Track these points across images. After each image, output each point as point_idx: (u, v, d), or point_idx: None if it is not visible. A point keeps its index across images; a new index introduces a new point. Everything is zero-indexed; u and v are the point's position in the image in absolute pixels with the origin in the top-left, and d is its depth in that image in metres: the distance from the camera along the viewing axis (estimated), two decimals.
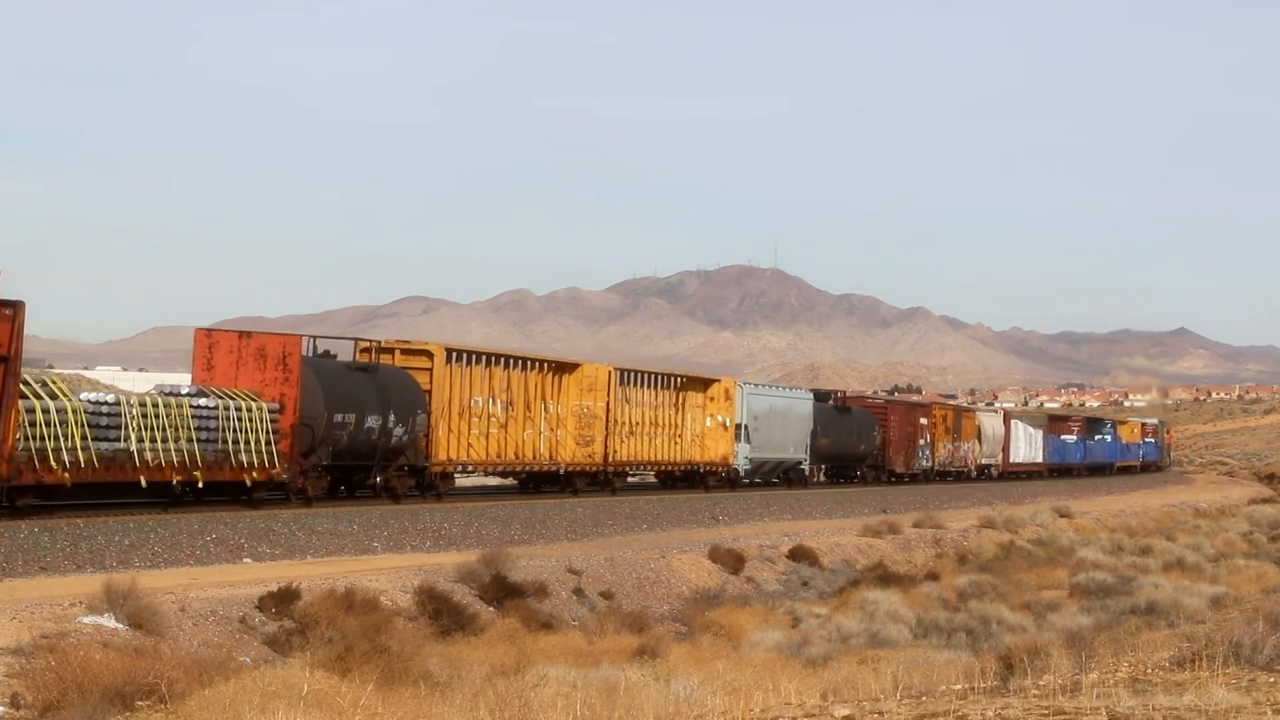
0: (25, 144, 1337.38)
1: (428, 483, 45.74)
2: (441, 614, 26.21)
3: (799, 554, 41.17)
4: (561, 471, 53.03)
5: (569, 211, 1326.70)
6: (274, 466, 38.19)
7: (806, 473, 72.42)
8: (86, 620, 21.14)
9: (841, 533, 47.39)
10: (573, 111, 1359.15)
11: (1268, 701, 13.02)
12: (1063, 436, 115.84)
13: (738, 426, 64.57)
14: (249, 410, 37.67)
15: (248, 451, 37.35)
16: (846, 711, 13.10)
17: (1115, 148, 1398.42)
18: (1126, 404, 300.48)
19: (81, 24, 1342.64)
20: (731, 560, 37.74)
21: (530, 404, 51.46)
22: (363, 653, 20.40)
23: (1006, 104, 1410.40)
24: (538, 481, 53.78)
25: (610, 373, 55.72)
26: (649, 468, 60.18)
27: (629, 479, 60.45)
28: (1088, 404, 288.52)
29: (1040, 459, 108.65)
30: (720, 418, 63.90)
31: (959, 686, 15.35)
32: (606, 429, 55.08)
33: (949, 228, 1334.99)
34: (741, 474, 65.51)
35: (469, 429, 47.88)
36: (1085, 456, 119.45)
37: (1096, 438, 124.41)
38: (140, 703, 16.76)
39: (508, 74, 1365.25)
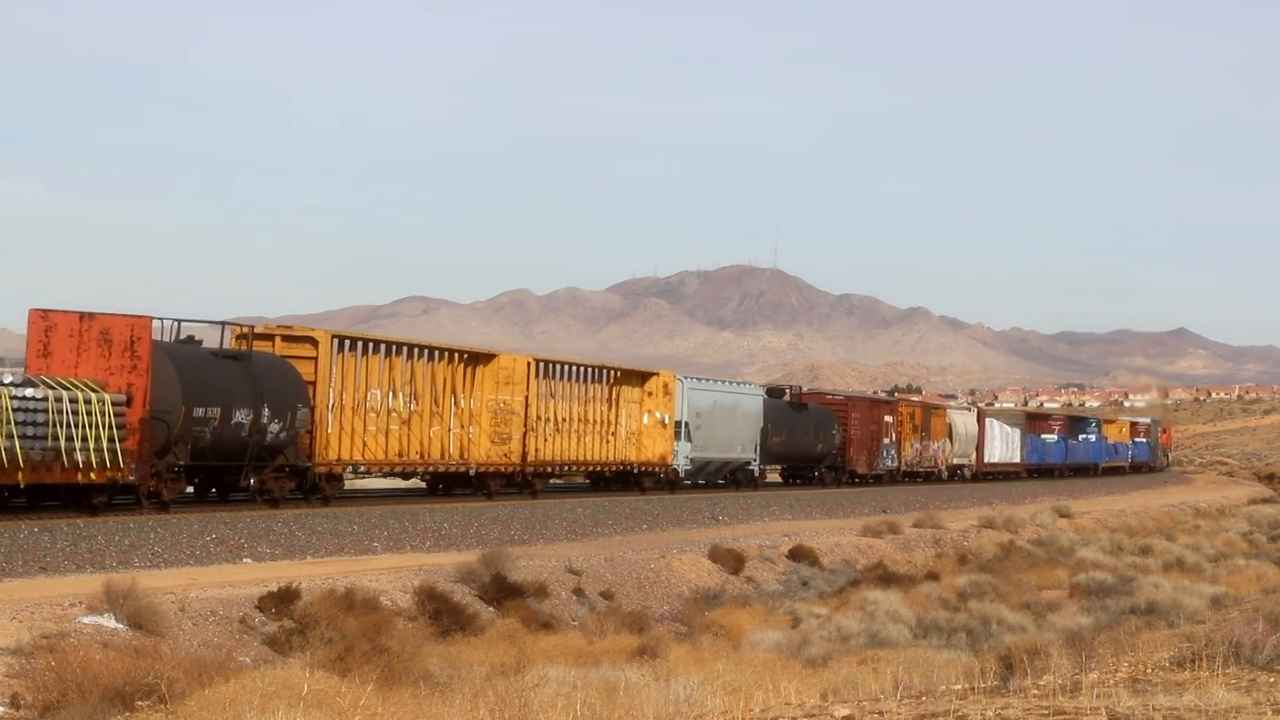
0: (25, 144, 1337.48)
1: (311, 485, 41.04)
2: (441, 614, 26.21)
3: (799, 554, 41.18)
4: (472, 473, 48.40)
5: (569, 211, 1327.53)
6: (118, 467, 33.51)
7: (756, 474, 67.24)
8: (86, 620, 21.14)
9: (841, 533, 47.39)
10: (573, 111, 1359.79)
11: (1268, 701, 13.02)
12: (1043, 436, 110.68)
13: (678, 424, 59.91)
14: (87, 403, 32.92)
15: (85, 450, 32.66)
16: (846, 711, 13.10)
17: (1115, 148, 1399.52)
18: (1126, 404, 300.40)
19: (81, 24, 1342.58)
20: (731, 560, 37.74)
21: (439, 398, 46.88)
22: (363, 653, 20.40)
23: (1006, 104, 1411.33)
24: (448, 483, 49.53)
25: (529, 364, 50.99)
26: (576, 468, 55.47)
27: (554, 480, 56.00)
28: (1088, 404, 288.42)
29: (1018, 459, 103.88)
30: (659, 414, 59.18)
31: (959, 686, 15.35)
32: (525, 426, 50.38)
33: (949, 228, 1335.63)
34: (681, 475, 60.80)
35: (364, 426, 43.25)
36: (1067, 457, 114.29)
37: (1081, 437, 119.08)
38: (140, 703, 16.76)
39: (508, 74, 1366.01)
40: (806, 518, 53.16)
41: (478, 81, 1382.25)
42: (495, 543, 34.91)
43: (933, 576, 39.95)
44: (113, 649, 19.40)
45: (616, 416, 56.84)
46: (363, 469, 44.12)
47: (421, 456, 46.04)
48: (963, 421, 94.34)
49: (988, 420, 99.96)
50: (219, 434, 37.14)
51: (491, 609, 28.06)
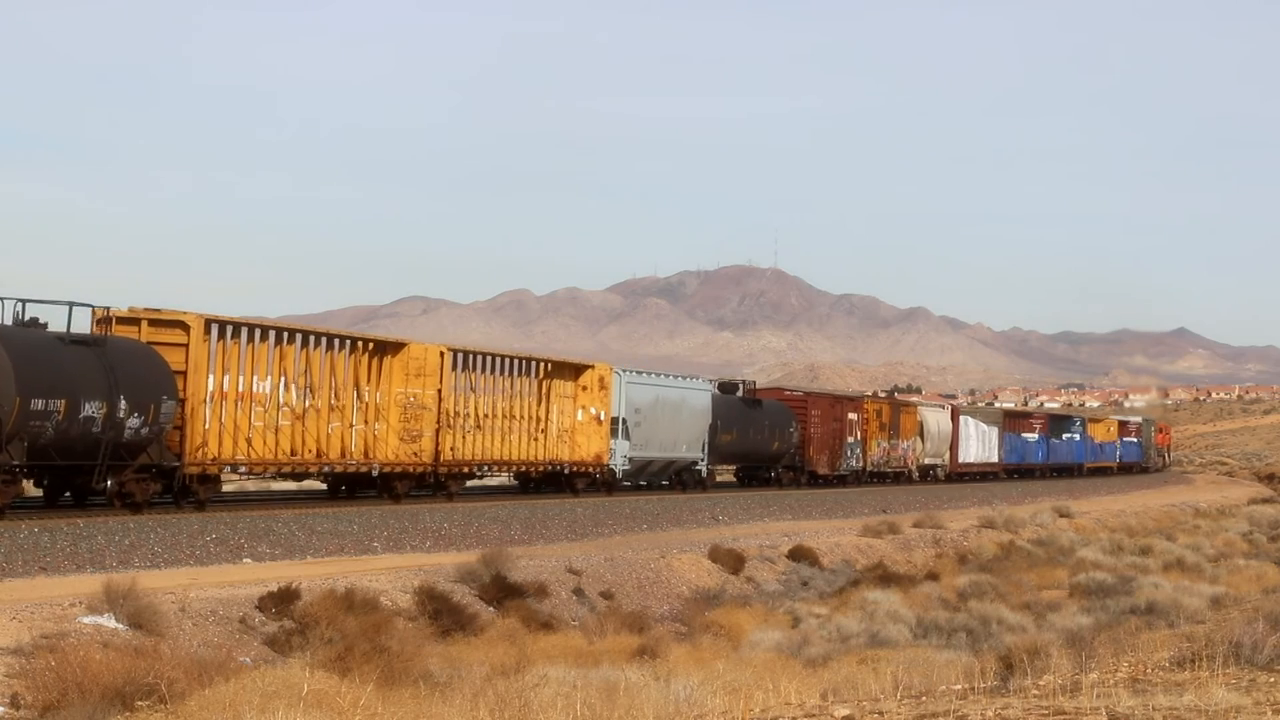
0: (25, 144, 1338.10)
1: (181, 487, 36.64)
2: (441, 614, 26.22)
3: (799, 554, 41.20)
4: (376, 473, 43.86)
5: (569, 211, 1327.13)
6: None
7: (704, 474, 63.10)
8: (86, 620, 21.15)
9: (841, 533, 47.41)
10: (572, 111, 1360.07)
11: (1268, 701, 13.02)
12: (1022, 435, 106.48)
13: (614, 420, 55.64)
14: None
15: None
16: (846, 711, 13.10)
17: (1115, 148, 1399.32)
18: (1126, 404, 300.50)
19: (81, 24, 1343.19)
20: (731, 560, 37.75)
21: (339, 391, 42.52)
22: (363, 653, 20.41)
23: (1006, 104, 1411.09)
24: (350, 485, 45.03)
25: (443, 354, 46.55)
26: (500, 468, 51.12)
27: (475, 481, 52.06)
28: (1088, 404, 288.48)
29: (995, 459, 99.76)
30: (594, 410, 54.98)
31: (959, 686, 15.35)
32: (439, 422, 46.21)
33: (949, 228, 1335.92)
34: (619, 475, 56.64)
35: (249, 421, 38.79)
36: (1049, 457, 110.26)
37: (1064, 436, 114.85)
38: (140, 703, 16.77)
39: (508, 74, 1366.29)
40: (806, 518, 53.19)
41: (477, 81, 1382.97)
42: (495, 543, 34.92)
43: (933, 576, 39.96)
44: (113, 649, 19.40)
45: (547, 412, 52.84)
46: (244, 469, 39.55)
47: (318, 456, 41.62)
48: (935, 419, 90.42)
49: (963, 418, 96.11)
50: (64, 429, 32.70)
51: (491, 609, 28.07)
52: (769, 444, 69.18)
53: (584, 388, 55.04)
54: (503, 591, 28.78)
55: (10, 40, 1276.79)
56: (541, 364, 53.54)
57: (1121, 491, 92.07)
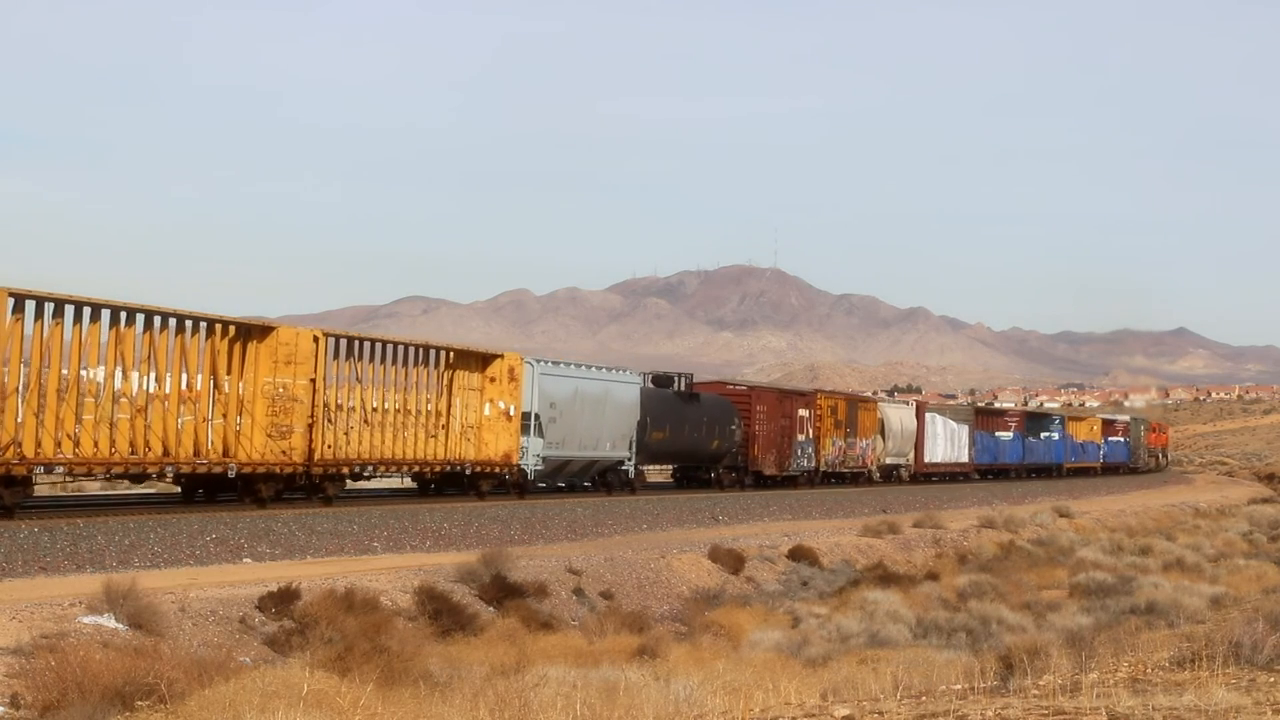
0: (25, 143, 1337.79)
1: None
2: (441, 614, 26.22)
3: (799, 554, 41.21)
4: (233, 473, 38.56)
5: (569, 211, 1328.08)
6: None
7: (631, 475, 57.94)
8: (86, 620, 21.15)
9: (841, 533, 47.42)
10: (572, 111, 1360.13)
11: (1268, 701, 13.02)
12: (996, 434, 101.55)
13: (526, 416, 50.55)
14: None
15: None
16: (846, 711, 13.10)
17: (1115, 148, 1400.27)
18: (1126, 404, 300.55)
19: (82, 24, 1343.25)
20: (731, 560, 37.75)
21: (193, 380, 37.75)
22: (363, 653, 20.40)
23: (1006, 104, 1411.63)
24: (208, 487, 39.76)
25: (317, 340, 41.20)
26: (392, 468, 45.73)
27: (363, 482, 47.19)
28: (1088, 404, 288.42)
29: (965, 459, 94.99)
30: (502, 404, 49.74)
31: (959, 686, 15.35)
32: (312, 416, 40.83)
33: (949, 228, 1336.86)
34: (531, 476, 51.38)
35: (75, 414, 33.97)
36: (1024, 456, 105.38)
37: (1043, 435, 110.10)
38: (140, 703, 16.76)
39: (507, 74, 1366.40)
40: (806, 518, 53.20)
41: (477, 81, 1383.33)
42: (495, 543, 34.92)
43: (933, 576, 39.96)
44: (113, 649, 19.40)
45: (449, 406, 47.66)
46: (63, 469, 33.96)
47: (166, 454, 36.34)
48: (897, 417, 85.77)
49: (929, 415, 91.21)
50: None
51: (491, 609, 28.07)
52: (707, 442, 63.98)
53: (492, 379, 49.81)
54: (503, 591, 28.78)
55: (10, 40, 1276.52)
56: (443, 353, 48.24)
57: (1121, 491, 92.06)
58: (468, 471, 48.34)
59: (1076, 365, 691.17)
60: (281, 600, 24.12)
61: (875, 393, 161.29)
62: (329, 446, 41.53)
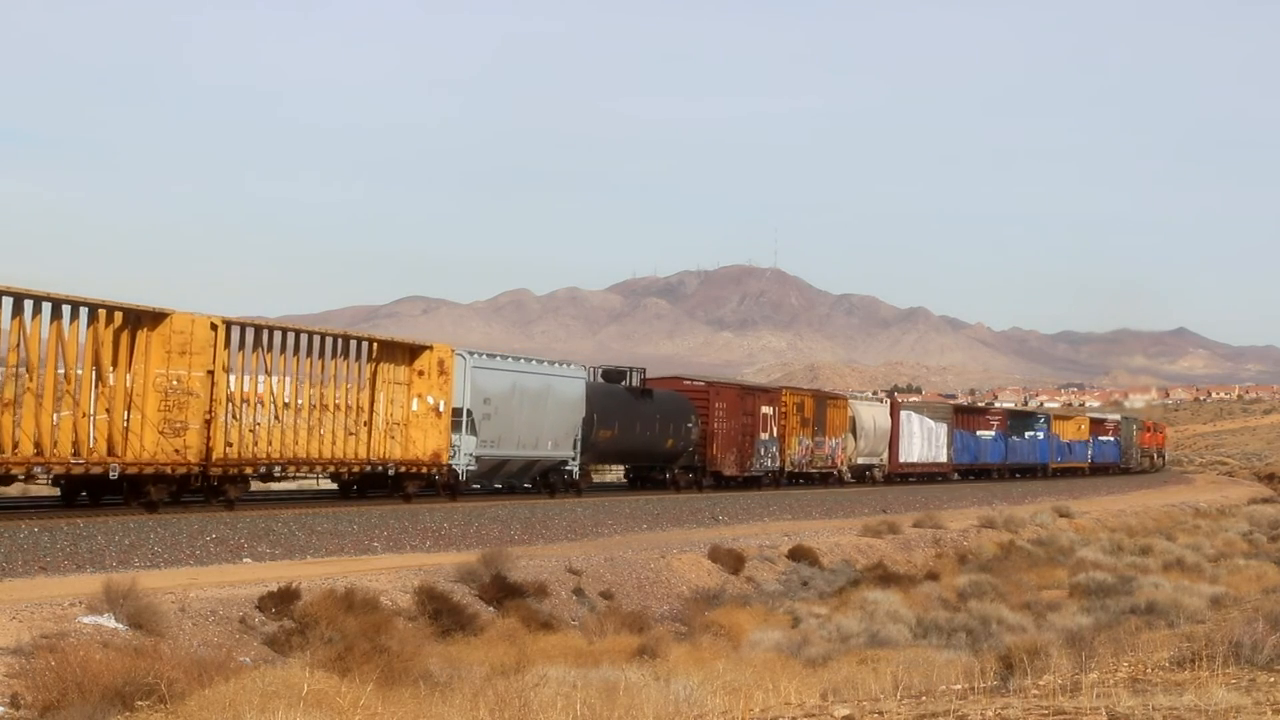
0: (24, 143, 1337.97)
1: None
2: (441, 614, 26.22)
3: (799, 554, 41.22)
4: (115, 474, 34.86)
5: (569, 211, 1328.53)
6: None
7: (575, 476, 54.20)
8: (86, 620, 21.15)
9: (841, 533, 47.43)
10: (572, 111, 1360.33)
11: (1268, 701, 13.02)
12: (977, 433, 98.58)
13: (457, 412, 46.97)
14: None
15: None
16: (846, 711, 13.10)
17: (1115, 147, 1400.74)
18: (1126, 404, 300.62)
19: (82, 24, 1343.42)
20: (731, 560, 37.76)
21: (71, 371, 34.67)
22: (363, 653, 20.41)
23: (1006, 103, 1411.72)
24: (92, 490, 36.07)
25: (215, 327, 37.58)
26: (305, 468, 41.89)
27: (278, 483, 43.49)
28: (1088, 404, 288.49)
29: (944, 459, 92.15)
30: (431, 399, 46.33)
31: (959, 686, 15.35)
32: (210, 411, 37.29)
33: (949, 228, 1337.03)
34: (463, 477, 47.84)
35: None
36: (1007, 456, 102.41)
37: (1026, 434, 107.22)
38: (140, 703, 16.76)
39: (507, 74, 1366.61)
40: (806, 518, 53.23)
41: (477, 81, 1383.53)
42: (495, 542, 34.93)
43: (933, 576, 39.98)
44: (113, 649, 19.40)
45: (373, 402, 44.34)
46: None
47: (39, 453, 33.05)
48: (870, 415, 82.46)
49: (904, 414, 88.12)
50: None
51: (491, 609, 28.07)
52: (660, 441, 60.40)
53: (420, 373, 46.29)
54: (503, 591, 28.78)
55: (11, 40, 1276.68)
56: (367, 344, 44.91)
57: (1121, 492, 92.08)
58: (391, 472, 44.83)
59: (1076, 365, 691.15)
60: (281, 600, 24.12)
61: (875, 393, 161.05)
62: (230, 445, 38.13)
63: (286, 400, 40.50)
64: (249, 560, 30.19)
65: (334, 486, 45.75)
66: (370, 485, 45.27)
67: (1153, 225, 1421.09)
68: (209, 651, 20.77)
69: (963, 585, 36.65)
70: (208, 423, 37.31)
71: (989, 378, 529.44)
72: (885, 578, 37.69)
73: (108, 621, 21.24)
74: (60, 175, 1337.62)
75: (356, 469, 43.58)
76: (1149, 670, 15.65)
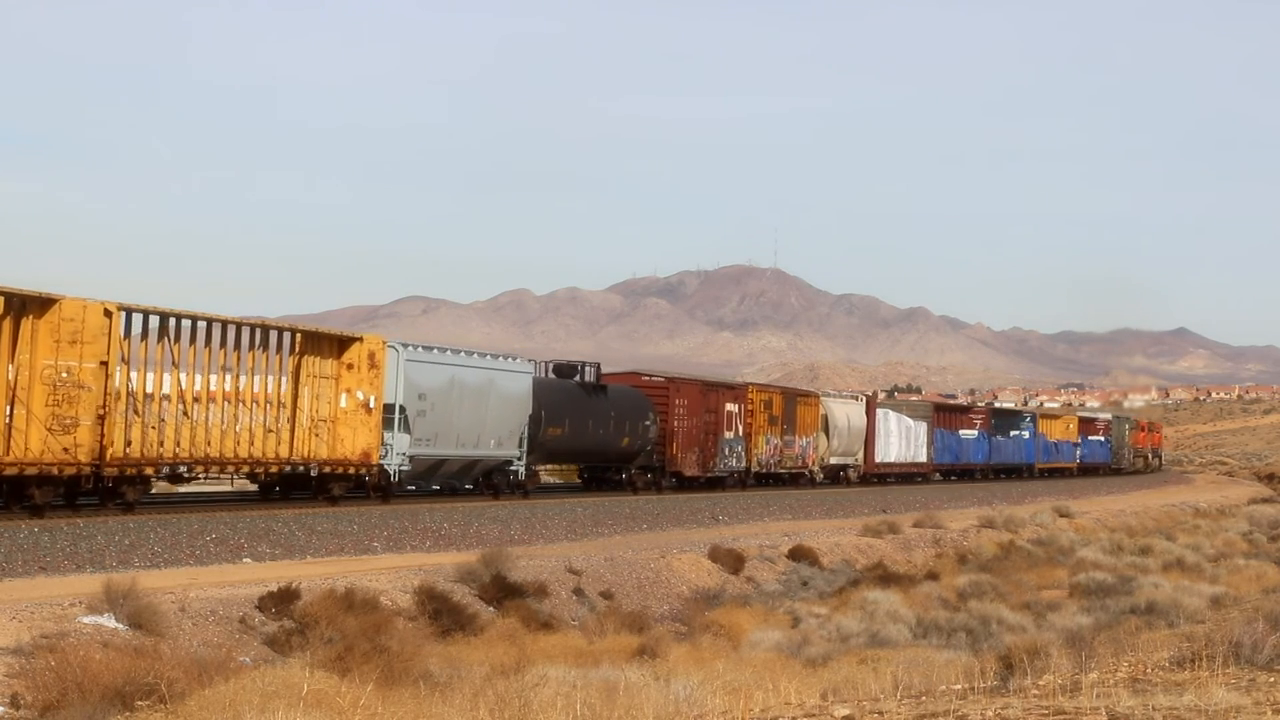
0: (24, 143, 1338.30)
1: None
2: (441, 614, 26.22)
3: (799, 554, 41.22)
4: None
5: (569, 211, 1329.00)
6: None
7: (521, 477, 51.37)
8: (86, 620, 21.15)
9: (841, 532, 47.45)
10: (572, 111, 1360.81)
11: (1268, 701, 13.02)
12: (959, 432, 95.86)
13: (390, 408, 43.97)
14: None
15: None
16: (846, 711, 13.10)
17: (1116, 147, 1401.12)
18: (1126, 404, 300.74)
19: (82, 24, 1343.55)
20: (731, 560, 37.75)
21: None
22: (363, 653, 20.41)
23: (1007, 104, 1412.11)
24: None
25: (110, 314, 34.54)
26: (217, 468, 38.71)
27: (188, 485, 41.57)
28: (1088, 404, 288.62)
29: (924, 458, 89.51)
30: (361, 394, 43.17)
31: (959, 686, 15.35)
32: (105, 406, 34.19)
33: (949, 228, 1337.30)
34: (395, 477, 44.82)
35: None
36: (990, 456, 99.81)
37: (1011, 434, 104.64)
38: (140, 703, 16.76)
39: (507, 74, 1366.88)
40: (806, 518, 53.27)
41: (477, 81, 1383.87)
42: (495, 542, 34.92)
43: (933, 576, 39.96)
44: (113, 649, 19.40)
45: (297, 396, 41.40)
46: None
47: None
48: (844, 413, 79.59)
49: (880, 412, 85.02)
50: None
51: (491, 609, 28.07)
52: (615, 440, 57.22)
53: (350, 366, 43.25)
54: (503, 591, 28.78)
55: (10, 40, 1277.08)
56: (289, 334, 41.71)
57: (1121, 491, 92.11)
58: (314, 472, 41.75)
59: (1076, 365, 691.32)
60: (281, 600, 24.12)
61: (875, 393, 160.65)
62: (129, 443, 35.10)
63: (197, 395, 37.67)
64: (249, 560, 30.19)
65: (255, 488, 43.05)
66: (293, 486, 42.38)
67: (1153, 225, 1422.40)
68: (209, 651, 20.77)
69: (963, 585, 36.64)
70: (101, 418, 34.15)
71: (989, 378, 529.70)
72: (885, 578, 37.68)
73: (108, 621, 21.24)
74: (60, 175, 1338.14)
75: (275, 469, 40.68)
76: (1149, 670, 15.65)
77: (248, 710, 15.36)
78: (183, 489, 43.18)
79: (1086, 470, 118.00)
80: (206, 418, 37.77)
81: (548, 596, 29.90)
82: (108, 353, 34.26)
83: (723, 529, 45.83)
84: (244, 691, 16.15)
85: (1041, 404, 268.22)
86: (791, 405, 72.96)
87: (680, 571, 35.97)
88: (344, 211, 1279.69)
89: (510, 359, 52.68)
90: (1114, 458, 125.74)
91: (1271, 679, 14.45)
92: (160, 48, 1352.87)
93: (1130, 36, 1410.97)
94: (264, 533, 33.16)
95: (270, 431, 40.12)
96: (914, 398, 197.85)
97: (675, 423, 61.30)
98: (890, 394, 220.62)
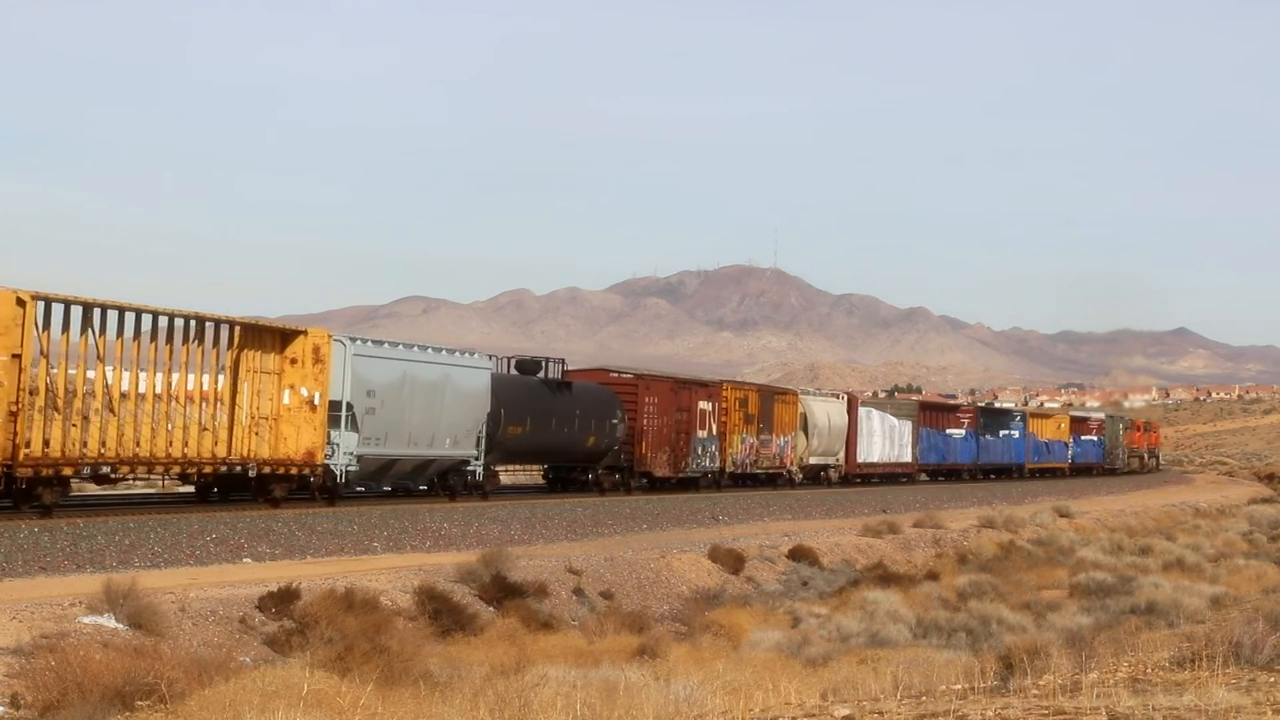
0: (23, 142, 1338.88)
1: None
2: (441, 614, 26.22)
3: (799, 554, 41.22)
4: None
5: (569, 211, 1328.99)
6: None
7: (479, 477, 49.08)
8: (86, 620, 21.14)
9: (841, 532, 47.46)
10: (572, 111, 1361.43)
11: (1268, 701, 13.02)
12: (946, 431, 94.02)
13: (335, 405, 41.59)
14: None
15: None
16: (846, 711, 13.10)
17: (1115, 147, 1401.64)
18: (1125, 404, 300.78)
19: (82, 24, 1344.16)
20: (731, 560, 37.75)
21: None
22: (363, 653, 20.41)
23: (1007, 103, 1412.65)
24: None
25: (24, 303, 32.04)
26: (147, 469, 36.43)
27: (113, 486, 40.12)
28: (1088, 404, 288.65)
29: (909, 458, 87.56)
30: (305, 391, 40.74)
31: (959, 686, 15.35)
32: (19, 402, 31.67)
33: (949, 228, 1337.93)
34: (341, 478, 42.35)
35: None
36: (979, 456, 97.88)
37: (1000, 433, 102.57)
38: (140, 703, 16.76)
39: (507, 74, 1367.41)
40: (806, 518, 53.29)
41: (477, 81, 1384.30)
42: (495, 542, 34.92)
43: (933, 576, 39.96)
44: (113, 649, 19.40)
45: (235, 393, 39.13)
46: None
47: None
48: (824, 411, 77.26)
49: (863, 411, 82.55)
50: None
51: (491, 609, 28.07)
52: (581, 439, 54.85)
53: (293, 361, 40.86)
54: (503, 591, 28.78)
55: (10, 40, 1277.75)
56: (226, 327, 39.40)
57: (1121, 492, 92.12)
58: (253, 473, 39.36)
59: (1076, 365, 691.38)
60: (281, 600, 24.12)
61: (875, 393, 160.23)
62: (47, 442, 32.69)
63: (124, 390, 35.16)
64: (249, 560, 30.19)
65: (191, 489, 41.29)
66: (231, 487, 40.18)
67: (1153, 225, 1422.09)
68: (209, 651, 20.76)
69: (963, 585, 36.64)
70: (14, 415, 31.66)
71: (989, 378, 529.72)
72: (885, 578, 37.68)
73: (108, 621, 21.24)
74: (60, 175, 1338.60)
75: (210, 469, 38.30)
76: (1149, 670, 15.66)
77: (248, 710, 15.36)
78: (111, 491, 41.31)
79: (1079, 471, 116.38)
80: (135, 415, 35.23)
81: (548, 596, 29.90)
82: (21, 345, 31.77)
83: (723, 529, 45.85)
84: (244, 691, 16.15)
85: (1041, 404, 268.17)
86: (769, 404, 70.78)
87: (680, 571, 35.97)
88: (344, 211, 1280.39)
89: (468, 354, 50.19)
90: (1108, 458, 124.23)
91: (1271, 679, 14.45)
92: (160, 48, 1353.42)
93: (1130, 36, 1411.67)
94: (264, 533, 33.16)
95: (206, 430, 37.84)
96: (913, 397, 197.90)
97: (645, 421, 59.25)
98: (890, 394, 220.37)
